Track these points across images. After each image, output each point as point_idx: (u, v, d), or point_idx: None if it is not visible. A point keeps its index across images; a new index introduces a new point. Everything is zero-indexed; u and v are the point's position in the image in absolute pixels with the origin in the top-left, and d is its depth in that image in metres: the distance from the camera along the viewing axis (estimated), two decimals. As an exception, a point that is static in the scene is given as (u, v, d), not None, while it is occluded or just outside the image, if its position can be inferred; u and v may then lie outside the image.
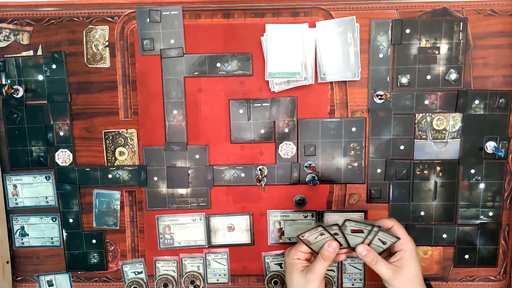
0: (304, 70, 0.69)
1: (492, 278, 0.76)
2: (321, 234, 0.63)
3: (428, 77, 0.71)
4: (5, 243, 0.77)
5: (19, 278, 0.79)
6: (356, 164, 0.74)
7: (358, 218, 0.63)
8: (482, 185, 0.73)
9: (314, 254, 0.65)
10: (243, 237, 0.77)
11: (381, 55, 0.71)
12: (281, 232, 0.76)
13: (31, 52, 0.72)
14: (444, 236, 0.75)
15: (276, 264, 0.77)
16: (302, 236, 0.63)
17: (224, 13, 0.70)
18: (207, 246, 0.77)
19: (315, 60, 0.70)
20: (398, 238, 0.62)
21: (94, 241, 0.77)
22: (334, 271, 0.77)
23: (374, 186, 0.74)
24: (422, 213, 0.74)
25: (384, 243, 0.62)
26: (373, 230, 0.62)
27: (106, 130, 0.74)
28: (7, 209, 0.76)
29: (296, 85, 0.70)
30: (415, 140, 0.73)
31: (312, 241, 0.63)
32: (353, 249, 0.63)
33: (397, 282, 0.61)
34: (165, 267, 0.77)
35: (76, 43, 0.71)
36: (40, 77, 0.72)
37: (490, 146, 0.72)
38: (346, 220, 0.62)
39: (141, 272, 0.78)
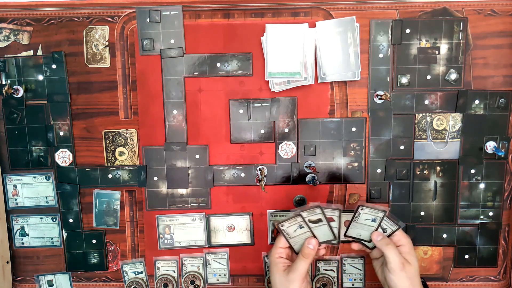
0: (304, 70, 0.69)
1: (492, 278, 0.76)
2: (300, 227, 0.63)
3: (428, 77, 0.71)
4: (5, 243, 0.77)
5: (19, 278, 0.79)
6: (356, 164, 0.74)
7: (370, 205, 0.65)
8: (482, 185, 0.73)
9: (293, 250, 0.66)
10: (243, 237, 0.77)
11: (381, 55, 0.71)
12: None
13: (31, 52, 0.72)
14: (444, 236, 0.75)
15: (276, 264, 0.77)
16: (282, 226, 0.63)
17: (224, 13, 0.70)
18: (207, 246, 0.77)
19: (315, 60, 0.70)
20: (399, 227, 0.62)
21: (94, 241, 0.77)
22: (334, 271, 0.76)
23: (374, 186, 0.74)
24: (422, 213, 0.74)
25: (384, 230, 0.63)
26: (378, 216, 0.63)
27: (106, 130, 0.74)
28: (7, 209, 0.76)
29: (296, 85, 0.70)
30: (415, 140, 0.73)
31: (291, 234, 0.63)
32: (338, 242, 0.65)
33: (404, 274, 0.61)
34: (165, 267, 0.77)
35: (76, 43, 0.71)
36: (40, 77, 0.72)
37: (490, 146, 0.72)
38: (360, 206, 0.64)
39: (141, 272, 0.78)
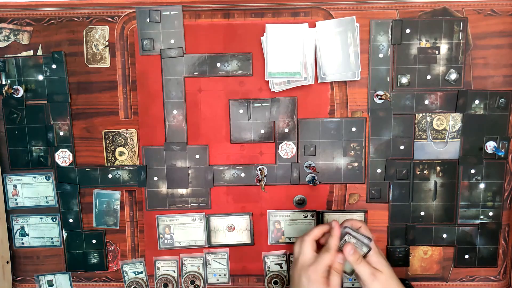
0: (304, 70, 0.69)
1: (492, 278, 0.76)
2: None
3: (428, 77, 0.71)
4: (5, 243, 0.77)
5: (19, 278, 0.79)
6: (356, 164, 0.74)
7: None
8: (482, 185, 0.73)
9: None
10: (243, 237, 0.77)
11: (381, 55, 0.71)
12: (281, 232, 0.76)
13: (31, 52, 0.72)
14: (444, 236, 0.75)
15: (276, 264, 0.77)
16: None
17: (224, 13, 0.70)
18: (207, 246, 0.77)
19: (315, 60, 0.70)
20: (370, 239, 0.62)
21: (94, 241, 0.77)
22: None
23: (374, 186, 0.74)
24: (422, 213, 0.74)
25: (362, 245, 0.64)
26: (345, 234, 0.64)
27: (106, 130, 0.74)
28: (7, 209, 0.76)
29: (296, 85, 0.70)
30: (415, 140, 0.73)
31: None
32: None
33: (376, 284, 0.61)
34: (165, 267, 0.77)
35: (76, 43, 0.71)
36: (40, 77, 0.72)
37: (490, 146, 0.72)
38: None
39: (141, 272, 0.78)
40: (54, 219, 0.76)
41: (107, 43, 0.71)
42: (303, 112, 0.72)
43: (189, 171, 0.74)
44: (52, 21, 0.71)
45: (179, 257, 0.77)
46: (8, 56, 0.72)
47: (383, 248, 0.76)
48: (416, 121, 0.72)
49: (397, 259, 0.76)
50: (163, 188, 0.75)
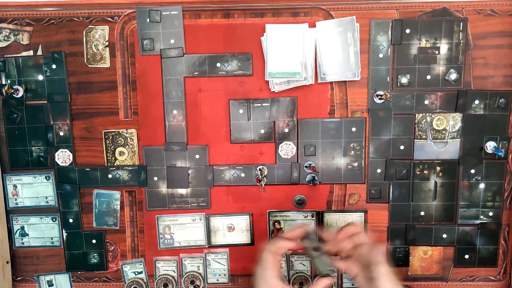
0: (304, 70, 0.69)
1: (492, 278, 0.76)
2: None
3: (428, 77, 0.71)
4: (5, 243, 0.76)
5: (19, 278, 0.79)
6: (356, 164, 0.74)
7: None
8: (482, 185, 0.73)
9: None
10: (243, 237, 0.76)
11: (381, 55, 0.71)
12: (281, 232, 0.76)
13: (31, 52, 0.72)
14: (444, 236, 0.75)
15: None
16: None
17: (224, 13, 0.70)
18: (207, 246, 0.77)
19: (315, 60, 0.70)
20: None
21: (94, 241, 0.77)
22: (334, 271, 0.76)
23: (374, 186, 0.74)
24: (422, 213, 0.74)
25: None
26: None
27: (106, 130, 0.74)
28: (7, 209, 0.76)
29: (296, 85, 0.70)
30: (415, 140, 0.73)
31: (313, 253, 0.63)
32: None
33: (383, 267, 0.60)
34: (165, 267, 0.77)
35: (76, 43, 0.71)
36: (40, 77, 0.72)
37: (490, 146, 0.72)
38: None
39: (141, 272, 0.78)
40: (54, 219, 0.76)
41: (107, 43, 0.71)
42: (303, 112, 0.72)
43: (189, 171, 0.74)
44: (52, 21, 0.71)
45: (179, 257, 0.77)
46: (8, 56, 0.72)
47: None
48: (416, 121, 0.72)
49: (397, 259, 0.76)
50: (163, 188, 0.75)
